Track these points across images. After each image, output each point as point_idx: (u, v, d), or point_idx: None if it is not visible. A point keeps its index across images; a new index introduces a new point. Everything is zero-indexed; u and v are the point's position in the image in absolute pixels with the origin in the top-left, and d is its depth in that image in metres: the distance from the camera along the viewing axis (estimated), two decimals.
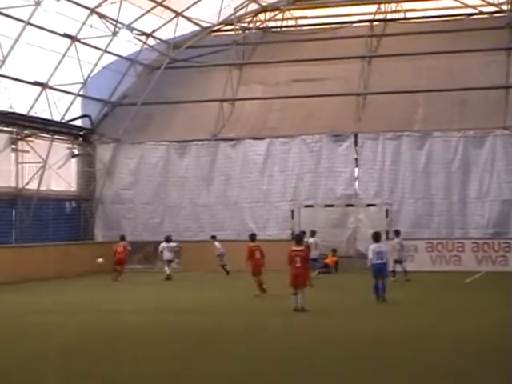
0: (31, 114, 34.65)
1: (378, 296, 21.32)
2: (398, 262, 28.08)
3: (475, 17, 39.28)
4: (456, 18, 39.76)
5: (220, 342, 15.15)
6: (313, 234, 31.60)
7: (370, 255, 21.50)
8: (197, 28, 41.35)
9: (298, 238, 21.19)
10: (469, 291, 25.51)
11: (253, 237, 24.73)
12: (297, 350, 14.16)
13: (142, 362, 13.02)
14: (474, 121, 34.68)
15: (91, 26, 35.00)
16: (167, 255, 31.61)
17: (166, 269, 31.12)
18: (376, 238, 21.96)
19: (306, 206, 35.64)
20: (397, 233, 29.26)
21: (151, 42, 39.57)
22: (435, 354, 13.43)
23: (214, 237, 33.19)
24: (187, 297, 24.69)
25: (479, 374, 11.81)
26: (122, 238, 32.18)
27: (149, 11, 36.97)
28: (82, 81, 36.68)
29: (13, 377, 11.99)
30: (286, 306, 19.54)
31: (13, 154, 34.40)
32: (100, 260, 30.78)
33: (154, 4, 36.65)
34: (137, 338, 15.90)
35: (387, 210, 34.51)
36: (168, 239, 31.91)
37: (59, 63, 34.95)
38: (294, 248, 20.18)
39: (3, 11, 30.77)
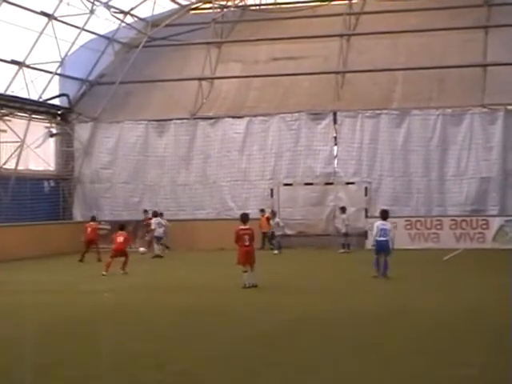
0: (8, 93, 34.40)
1: (379, 270, 21.51)
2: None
3: None
4: None
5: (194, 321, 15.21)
6: (274, 214, 33.46)
7: (375, 231, 21.88)
8: (175, 6, 41.13)
9: (245, 217, 20.86)
10: (447, 268, 25.64)
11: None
12: (271, 329, 14.24)
13: (120, 341, 13.01)
14: (452, 99, 34.75)
15: (68, 4, 34.75)
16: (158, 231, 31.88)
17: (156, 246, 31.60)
18: (383, 215, 22.32)
19: (285, 185, 35.69)
20: (343, 209, 32.53)
21: (129, 20, 39.36)
22: (411, 331, 13.55)
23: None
24: (165, 275, 24.68)
25: (455, 351, 11.93)
26: (92, 219, 31.79)
27: None
28: (60, 59, 36.46)
29: None
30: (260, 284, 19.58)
31: None
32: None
33: None
34: (114, 318, 15.90)
35: (366, 188, 34.67)
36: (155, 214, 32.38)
37: (36, 41, 34.69)
38: (242, 227, 20.22)
39: None
